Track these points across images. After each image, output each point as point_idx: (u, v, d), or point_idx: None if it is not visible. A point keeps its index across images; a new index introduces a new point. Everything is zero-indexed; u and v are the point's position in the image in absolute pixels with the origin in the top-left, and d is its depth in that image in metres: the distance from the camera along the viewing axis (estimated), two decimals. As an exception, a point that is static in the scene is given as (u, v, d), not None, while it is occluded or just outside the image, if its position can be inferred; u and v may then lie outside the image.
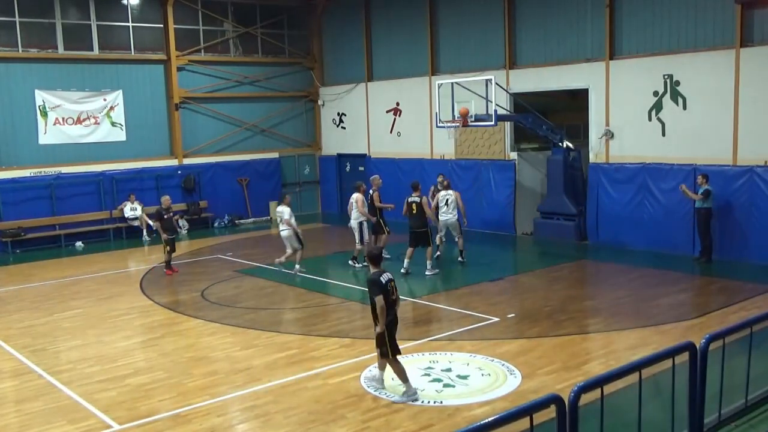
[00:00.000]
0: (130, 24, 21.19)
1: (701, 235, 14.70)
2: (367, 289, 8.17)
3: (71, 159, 20.27)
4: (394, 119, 22.32)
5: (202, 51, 22.62)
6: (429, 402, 7.91)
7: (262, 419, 7.69)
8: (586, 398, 4.63)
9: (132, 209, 20.55)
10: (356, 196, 15.25)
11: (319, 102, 24.91)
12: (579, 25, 17.36)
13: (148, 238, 20.02)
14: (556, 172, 17.63)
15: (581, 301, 12.32)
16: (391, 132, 22.46)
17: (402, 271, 14.16)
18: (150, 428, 7.57)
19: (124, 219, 20.62)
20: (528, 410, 4.31)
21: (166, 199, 15.68)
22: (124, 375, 9.20)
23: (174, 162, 22.12)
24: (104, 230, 20.50)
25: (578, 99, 18.10)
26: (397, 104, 22.14)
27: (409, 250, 14.45)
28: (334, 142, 24.83)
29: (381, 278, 7.94)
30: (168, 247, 15.29)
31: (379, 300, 7.83)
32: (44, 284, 14.99)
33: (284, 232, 14.91)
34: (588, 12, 17.09)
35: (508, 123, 18.69)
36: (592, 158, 17.46)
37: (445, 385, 8.38)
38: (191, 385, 8.78)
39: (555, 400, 4.42)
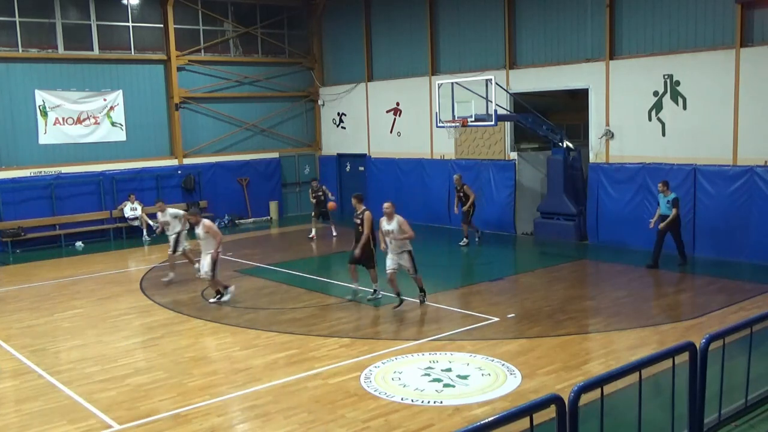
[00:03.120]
0: (130, 24, 21.19)
1: (676, 239, 14.30)
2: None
3: (71, 159, 20.28)
4: (394, 119, 22.31)
5: (202, 51, 22.62)
6: (429, 402, 7.90)
7: (262, 419, 7.69)
8: (586, 398, 4.63)
9: (132, 209, 20.54)
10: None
11: (319, 102, 24.90)
12: (579, 25, 17.35)
13: (148, 238, 20.03)
14: (556, 172, 17.63)
15: (581, 301, 12.31)
16: (391, 132, 22.45)
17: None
18: (150, 428, 7.57)
19: (124, 219, 20.62)
20: (528, 410, 4.32)
21: None
22: (124, 375, 9.20)
23: (174, 162, 22.13)
24: (104, 230, 20.52)
25: (578, 99, 18.09)
26: (397, 104, 22.13)
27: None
28: (334, 142, 24.82)
29: None
30: None
31: None
32: (44, 284, 14.98)
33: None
34: (588, 12, 17.08)
35: (508, 123, 18.69)
36: (592, 158, 17.45)
37: (445, 385, 8.38)
38: (191, 385, 8.78)
39: (555, 400, 4.43)
